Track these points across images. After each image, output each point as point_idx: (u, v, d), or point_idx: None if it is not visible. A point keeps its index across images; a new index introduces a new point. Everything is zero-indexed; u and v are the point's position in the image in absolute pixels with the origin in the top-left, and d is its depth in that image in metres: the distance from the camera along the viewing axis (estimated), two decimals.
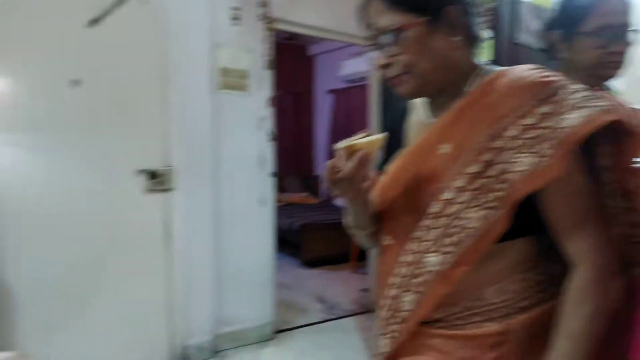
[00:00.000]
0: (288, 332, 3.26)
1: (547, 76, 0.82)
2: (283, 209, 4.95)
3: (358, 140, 0.87)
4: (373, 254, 3.74)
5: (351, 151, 0.86)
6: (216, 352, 2.90)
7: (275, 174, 3.15)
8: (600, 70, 1.18)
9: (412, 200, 0.90)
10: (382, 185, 0.98)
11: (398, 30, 0.84)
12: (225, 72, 2.89)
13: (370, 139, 0.87)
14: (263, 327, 3.11)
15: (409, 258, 0.90)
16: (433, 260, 0.86)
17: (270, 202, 3.12)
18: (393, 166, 0.97)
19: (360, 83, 5.92)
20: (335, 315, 3.60)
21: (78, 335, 2.46)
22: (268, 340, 3.09)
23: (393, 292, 0.93)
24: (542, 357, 0.81)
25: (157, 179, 2.66)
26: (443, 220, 0.85)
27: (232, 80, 2.91)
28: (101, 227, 2.52)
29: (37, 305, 2.37)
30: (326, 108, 6.74)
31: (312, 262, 4.94)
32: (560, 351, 0.79)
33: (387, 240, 0.97)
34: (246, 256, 3.04)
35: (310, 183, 6.72)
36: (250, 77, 2.98)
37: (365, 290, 4.07)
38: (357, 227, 1.03)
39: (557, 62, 1.23)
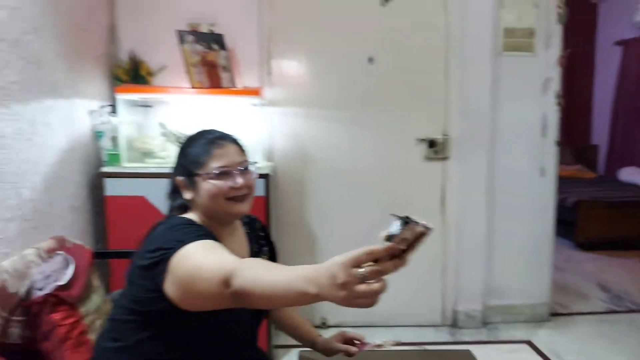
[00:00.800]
0: (565, 316, 2.99)
1: None
2: None
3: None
4: None
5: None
6: (486, 323, 2.88)
7: (558, 143, 2.86)
8: None
9: None
10: None
11: None
12: (509, 32, 2.71)
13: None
14: (537, 306, 2.93)
15: None
16: None
17: (552, 173, 2.86)
18: None
19: None
20: (624, 308, 3.12)
21: None
22: (543, 321, 2.90)
23: None
24: None
25: (435, 148, 2.73)
26: None
27: (516, 41, 2.72)
28: (387, 189, 2.77)
29: (336, 253, 2.77)
30: (611, 64, 5.70)
31: (588, 245, 4.37)
32: None
33: None
34: (521, 229, 2.88)
35: (586, 154, 5.88)
36: (536, 36, 2.73)
37: None
38: None
39: None
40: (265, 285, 0.81)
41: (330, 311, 2.79)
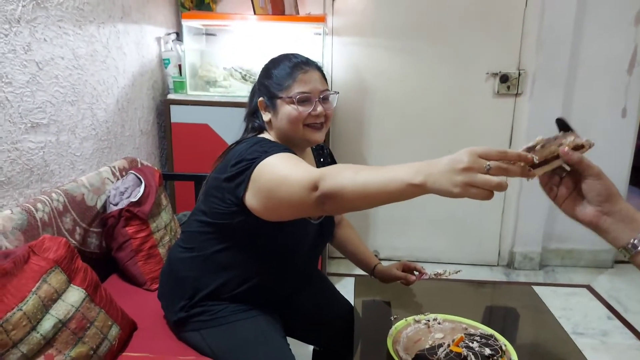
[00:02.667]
0: (630, 264, 2.86)
1: None
2: None
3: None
4: None
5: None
6: (544, 265, 2.82)
7: None
8: None
9: None
10: None
11: None
12: None
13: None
14: (600, 252, 2.82)
15: None
16: None
17: (634, 115, 2.63)
18: None
19: None
20: None
21: (421, 218, 2.79)
22: (605, 267, 2.80)
23: None
24: None
25: (508, 83, 2.57)
26: None
27: None
28: (450, 124, 2.67)
29: None
30: None
31: None
32: None
33: None
34: None
35: None
36: None
37: None
38: None
39: None
40: (360, 182, 0.81)
41: (382, 244, 2.83)
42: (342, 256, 1.46)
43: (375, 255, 2.77)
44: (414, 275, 1.33)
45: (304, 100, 1.12)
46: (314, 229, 1.20)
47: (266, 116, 1.17)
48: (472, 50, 2.56)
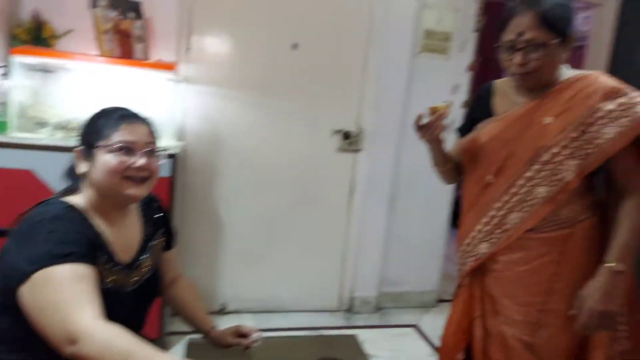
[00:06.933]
0: (450, 302, 3.26)
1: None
2: None
3: (439, 104, 1.36)
4: None
5: (433, 111, 1.36)
6: (379, 308, 3.07)
7: None
8: None
9: (520, 152, 1.31)
10: (481, 141, 1.39)
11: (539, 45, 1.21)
12: (429, 34, 2.82)
13: (445, 104, 1.37)
14: (426, 294, 3.17)
15: (518, 190, 1.32)
16: (542, 190, 1.29)
17: None
18: (493, 128, 1.37)
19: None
20: None
21: (268, 268, 2.86)
22: (430, 307, 3.16)
23: (499, 212, 1.35)
24: (592, 251, 1.31)
25: (349, 139, 2.81)
26: (550, 165, 1.28)
27: (434, 43, 2.83)
28: (297, 178, 2.81)
29: (241, 239, 2.79)
30: None
31: None
32: (621, 237, 1.24)
33: (489, 179, 1.37)
34: (419, 222, 3.07)
35: None
36: (453, 40, 2.86)
37: None
38: (435, 164, 1.53)
39: None
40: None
41: (230, 297, 2.82)
42: None
43: (222, 310, 2.74)
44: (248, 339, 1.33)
45: (125, 150, 1.07)
46: (130, 298, 1.13)
47: (83, 167, 1.09)
48: (320, 109, 2.75)
